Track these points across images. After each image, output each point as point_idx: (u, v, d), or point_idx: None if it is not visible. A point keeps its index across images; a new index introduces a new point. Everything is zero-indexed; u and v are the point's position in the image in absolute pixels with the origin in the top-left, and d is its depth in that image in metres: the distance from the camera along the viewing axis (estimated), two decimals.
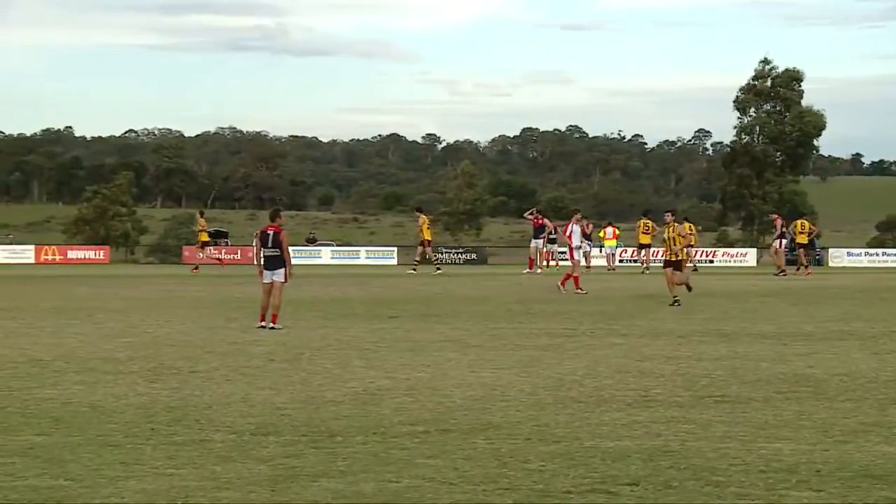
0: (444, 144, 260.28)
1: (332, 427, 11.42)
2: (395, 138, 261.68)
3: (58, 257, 75.84)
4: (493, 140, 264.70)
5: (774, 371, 15.62)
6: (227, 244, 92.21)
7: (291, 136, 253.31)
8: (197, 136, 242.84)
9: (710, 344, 19.11)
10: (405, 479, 9.13)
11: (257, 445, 10.52)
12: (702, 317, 24.71)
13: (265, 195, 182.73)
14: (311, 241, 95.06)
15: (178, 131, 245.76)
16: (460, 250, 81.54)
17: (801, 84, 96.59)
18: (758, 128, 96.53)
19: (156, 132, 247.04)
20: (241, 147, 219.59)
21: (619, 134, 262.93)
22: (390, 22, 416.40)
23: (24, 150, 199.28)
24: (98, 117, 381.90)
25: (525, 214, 53.13)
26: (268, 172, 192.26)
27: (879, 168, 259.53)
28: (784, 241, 49.41)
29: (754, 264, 70.09)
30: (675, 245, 28.54)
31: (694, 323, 23.16)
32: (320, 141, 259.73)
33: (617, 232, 57.38)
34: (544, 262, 49.45)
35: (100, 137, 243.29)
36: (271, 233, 22.68)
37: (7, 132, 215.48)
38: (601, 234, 57.06)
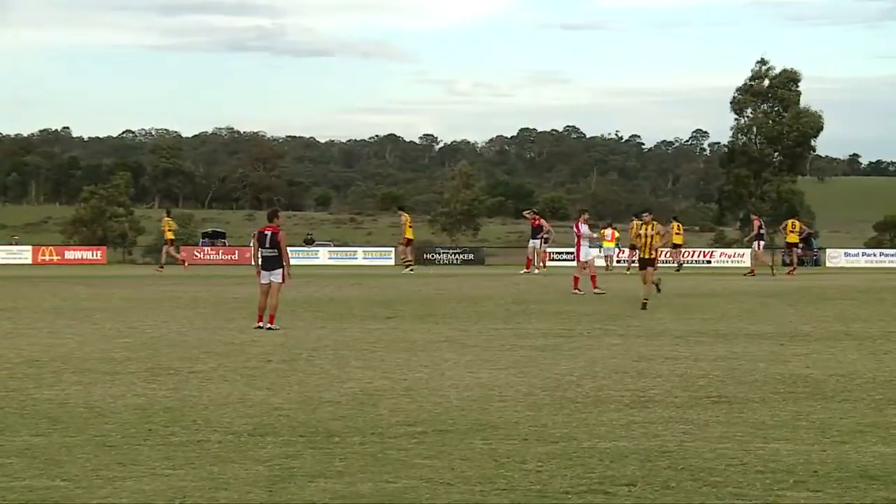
0: (441, 145, 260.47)
1: (329, 427, 11.42)
2: (392, 139, 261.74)
3: (55, 258, 75.79)
4: (491, 140, 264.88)
5: (772, 371, 15.63)
6: (224, 244, 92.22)
7: (289, 136, 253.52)
8: (194, 136, 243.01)
9: (707, 344, 19.12)
10: (402, 480, 9.13)
11: (255, 446, 10.51)
12: (699, 317, 24.72)
13: (263, 195, 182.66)
14: (309, 242, 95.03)
15: (176, 131, 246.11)
16: (458, 251, 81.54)
17: (799, 84, 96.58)
18: (755, 128, 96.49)
19: (153, 132, 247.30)
20: (238, 147, 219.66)
21: (616, 134, 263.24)
22: (388, 22, 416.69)
23: (21, 150, 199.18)
24: (95, 118, 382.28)
25: (524, 213, 53.14)
26: (265, 173, 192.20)
27: (877, 168, 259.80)
28: (762, 242, 49.63)
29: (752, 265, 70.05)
30: (653, 243, 28.33)
31: (691, 323, 23.16)
32: (318, 141, 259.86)
33: (616, 234, 57.44)
34: (542, 263, 49.41)
35: (97, 138, 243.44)
36: (269, 233, 22.67)
37: (4, 132, 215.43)
38: (601, 234, 57.11)
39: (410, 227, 49.65)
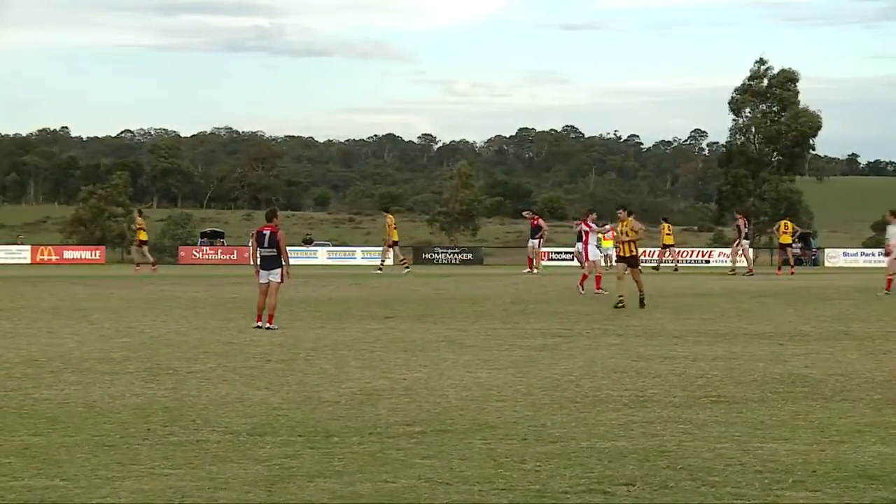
0: (440, 145, 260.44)
1: (328, 427, 11.42)
2: (391, 138, 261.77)
3: (54, 258, 75.81)
4: (490, 140, 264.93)
5: (771, 371, 15.63)
6: (223, 244, 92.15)
7: (287, 136, 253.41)
8: (193, 136, 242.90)
9: (706, 344, 19.11)
10: (401, 480, 9.13)
11: (254, 446, 10.51)
12: (698, 317, 24.72)
13: (261, 195, 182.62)
14: (308, 242, 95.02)
15: (175, 131, 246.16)
16: (456, 251, 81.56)
17: (797, 84, 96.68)
18: (753, 128, 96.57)
19: (152, 132, 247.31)
20: (237, 147, 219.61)
21: (615, 134, 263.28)
22: (387, 22, 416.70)
23: (20, 150, 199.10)
24: (94, 117, 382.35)
25: (524, 213, 53.16)
26: (264, 173, 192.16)
27: (875, 168, 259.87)
28: (746, 242, 49.79)
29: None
30: (627, 238, 28.07)
31: (690, 323, 23.16)
32: (316, 141, 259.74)
33: (615, 234, 57.42)
34: (541, 263, 49.43)
35: (96, 137, 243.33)
36: (268, 233, 22.67)
37: (3, 132, 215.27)
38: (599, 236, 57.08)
39: (395, 228, 49.64)
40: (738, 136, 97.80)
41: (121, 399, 13.32)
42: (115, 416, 12.16)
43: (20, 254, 76.02)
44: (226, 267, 65.28)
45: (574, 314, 25.26)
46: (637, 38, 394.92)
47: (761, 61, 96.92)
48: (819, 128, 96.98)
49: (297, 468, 9.56)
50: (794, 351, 18.12)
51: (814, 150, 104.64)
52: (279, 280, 22.46)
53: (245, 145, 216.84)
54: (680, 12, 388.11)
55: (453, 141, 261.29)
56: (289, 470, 9.50)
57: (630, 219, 28.64)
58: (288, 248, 23.47)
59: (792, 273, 48.30)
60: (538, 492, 8.74)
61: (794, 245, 51.67)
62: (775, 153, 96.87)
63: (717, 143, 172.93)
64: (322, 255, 77.43)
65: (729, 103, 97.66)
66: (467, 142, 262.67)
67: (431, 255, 78.76)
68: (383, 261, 51.41)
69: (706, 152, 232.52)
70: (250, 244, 26.54)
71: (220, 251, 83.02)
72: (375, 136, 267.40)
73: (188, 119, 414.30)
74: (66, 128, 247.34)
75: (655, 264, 53.08)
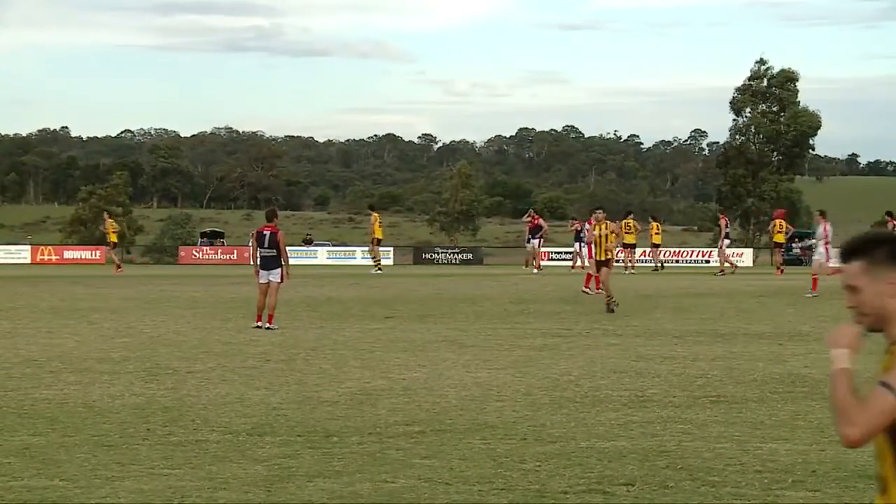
0: (440, 145, 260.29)
1: (328, 427, 11.42)
2: (391, 138, 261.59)
3: (54, 257, 75.77)
4: (490, 140, 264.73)
5: (770, 371, 15.63)
6: (222, 244, 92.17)
7: (287, 136, 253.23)
8: (193, 136, 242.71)
9: (706, 344, 19.12)
10: (401, 480, 9.13)
11: (253, 446, 10.51)
12: (698, 317, 24.71)
13: (261, 195, 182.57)
14: (308, 242, 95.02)
15: (174, 131, 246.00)
16: (456, 250, 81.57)
17: (797, 84, 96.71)
18: (753, 128, 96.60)
19: (152, 132, 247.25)
20: (237, 147, 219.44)
21: (615, 134, 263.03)
22: (386, 22, 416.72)
23: (20, 150, 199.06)
24: (94, 117, 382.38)
25: (524, 217, 53.17)
26: (264, 173, 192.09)
27: (875, 168, 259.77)
28: (727, 241, 49.93)
29: (750, 264, 70.11)
30: (606, 243, 27.56)
31: (690, 323, 23.16)
32: (316, 141, 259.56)
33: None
34: (534, 262, 49.40)
35: (96, 137, 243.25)
36: (268, 233, 22.68)
37: (3, 132, 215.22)
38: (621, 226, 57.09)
39: (380, 226, 49.67)
40: (737, 136, 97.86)
41: (120, 399, 13.32)
42: (115, 416, 12.16)
43: (20, 254, 75.99)
44: (226, 267, 65.28)
45: (574, 314, 25.26)
46: (637, 38, 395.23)
47: (761, 61, 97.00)
48: (818, 128, 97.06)
49: (296, 468, 9.56)
50: (793, 351, 18.12)
51: (813, 150, 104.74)
52: (279, 280, 22.47)
53: (245, 145, 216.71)
54: (680, 12, 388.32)
55: (453, 141, 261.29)
56: (288, 470, 9.50)
57: (608, 221, 28.34)
58: (288, 249, 23.48)
59: (779, 273, 48.28)
60: (538, 492, 8.74)
61: (791, 244, 51.69)
62: (775, 153, 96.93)
63: (717, 143, 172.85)
64: (322, 256, 77.39)
65: (729, 103, 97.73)
66: (467, 142, 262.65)
67: (431, 256, 78.74)
68: (377, 261, 51.44)
69: (706, 152, 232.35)
70: (250, 244, 26.54)
71: (219, 251, 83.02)
72: (375, 136, 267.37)
73: (188, 119, 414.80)
74: (66, 128, 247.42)
75: (655, 265, 53.07)
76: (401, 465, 9.63)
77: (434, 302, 29.57)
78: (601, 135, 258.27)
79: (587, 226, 35.79)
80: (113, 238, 53.56)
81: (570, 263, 53.68)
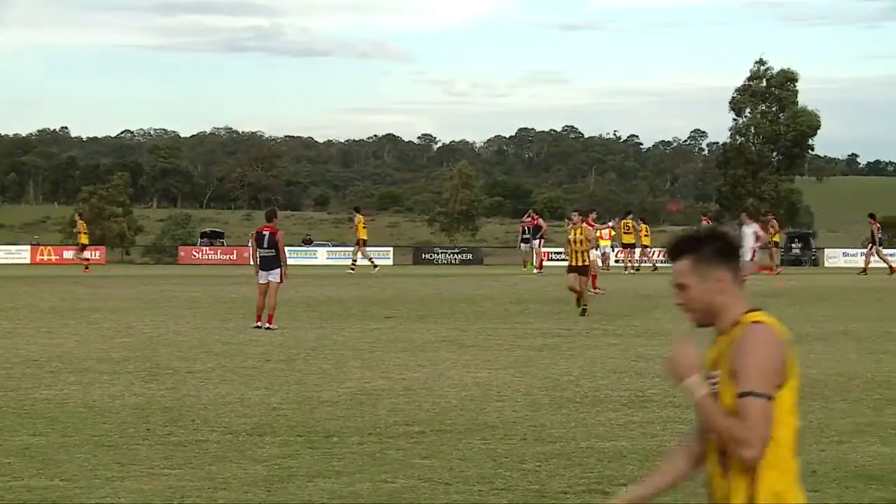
0: (439, 145, 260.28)
1: (327, 427, 11.42)
2: (390, 138, 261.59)
3: (53, 257, 75.73)
4: (489, 140, 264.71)
5: None
6: (222, 244, 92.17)
7: (287, 136, 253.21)
8: (193, 136, 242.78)
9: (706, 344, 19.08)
10: (401, 480, 9.13)
11: (253, 446, 10.51)
12: None
13: (261, 195, 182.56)
14: (308, 242, 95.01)
15: (174, 131, 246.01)
16: (456, 251, 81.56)
17: (796, 84, 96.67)
18: (753, 128, 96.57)
19: (151, 132, 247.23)
20: (236, 147, 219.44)
21: (614, 134, 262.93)
22: (386, 22, 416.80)
23: (19, 150, 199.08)
24: (94, 117, 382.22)
25: (524, 217, 53.20)
26: (263, 173, 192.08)
27: (875, 168, 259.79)
28: None
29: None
30: (580, 247, 26.52)
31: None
32: (316, 141, 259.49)
33: (612, 232, 57.47)
34: (531, 261, 49.42)
35: (95, 138, 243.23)
36: (267, 233, 22.69)
37: (3, 132, 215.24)
38: (597, 234, 57.15)
39: (364, 227, 49.71)
40: (737, 136, 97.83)
41: (120, 399, 13.32)
42: (115, 416, 12.16)
43: (20, 254, 75.98)
44: (225, 267, 65.26)
45: (573, 314, 25.24)
46: (637, 38, 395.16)
47: (761, 61, 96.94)
48: (818, 128, 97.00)
49: (296, 468, 9.56)
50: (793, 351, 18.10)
51: (813, 150, 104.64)
52: (278, 280, 22.47)
53: (244, 145, 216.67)
54: (679, 12, 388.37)
55: (453, 141, 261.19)
56: (288, 470, 9.50)
57: (585, 225, 27.53)
58: (286, 249, 23.48)
59: (770, 272, 48.34)
60: (537, 492, 8.74)
61: (783, 245, 51.92)
62: (775, 153, 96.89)
63: (717, 143, 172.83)
64: (321, 256, 77.37)
65: (729, 103, 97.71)
66: (467, 142, 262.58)
67: (431, 256, 78.72)
68: (371, 260, 51.44)
69: (706, 152, 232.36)
70: (250, 244, 26.54)
71: (219, 251, 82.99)
72: (375, 136, 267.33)
73: (188, 119, 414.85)
74: (66, 128, 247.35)
75: (652, 266, 53.10)
76: (401, 466, 9.63)
77: (434, 302, 29.56)
78: (601, 135, 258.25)
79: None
80: (84, 240, 53.58)
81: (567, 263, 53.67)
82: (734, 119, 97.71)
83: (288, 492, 8.79)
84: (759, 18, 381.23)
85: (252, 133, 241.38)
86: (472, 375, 15.28)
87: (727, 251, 4.24)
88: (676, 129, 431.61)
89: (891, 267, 47.37)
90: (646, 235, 53.75)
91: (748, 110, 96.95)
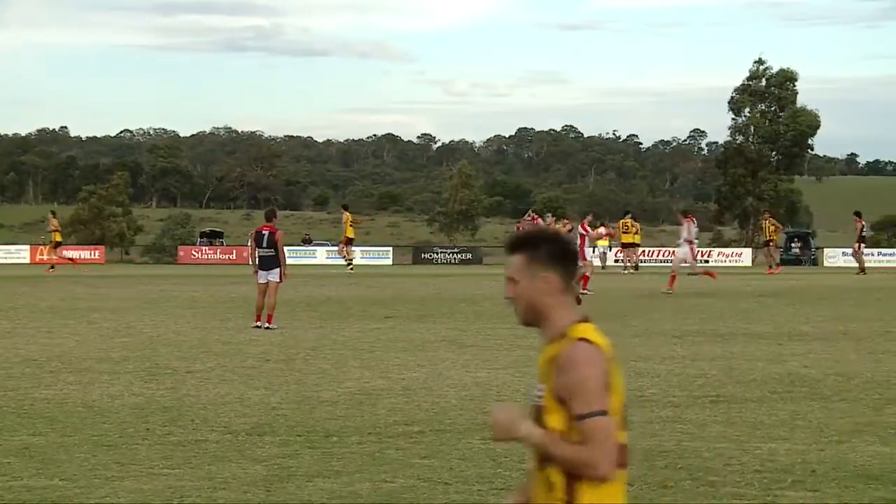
0: (439, 144, 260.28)
1: (327, 427, 11.42)
2: (390, 138, 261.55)
3: (53, 257, 75.67)
4: (489, 140, 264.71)
5: (770, 371, 15.63)
6: (222, 244, 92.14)
7: (287, 136, 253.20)
8: (192, 135, 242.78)
9: (705, 344, 19.11)
10: (400, 479, 9.13)
11: (253, 445, 10.51)
12: (697, 317, 24.71)
13: (260, 195, 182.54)
14: (307, 242, 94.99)
15: (174, 131, 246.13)
16: (455, 250, 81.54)
17: (796, 84, 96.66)
18: (752, 128, 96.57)
19: (151, 132, 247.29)
20: (236, 147, 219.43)
21: (614, 134, 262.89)
22: (386, 22, 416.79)
23: (19, 150, 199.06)
24: (93, 117, 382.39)
25: (524, 217, 53.17)
26: (263, 172, 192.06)
27: (875, 168, 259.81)
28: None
29: (749, 264, 70.14)
30: None
31: (689, 323, 23.15)
32: (315, 141, 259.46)
33: (611, 233, 57.53)
34: None
35: (95, 137, 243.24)
36: (266, 233, 22.68)
37: (2, 132, 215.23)
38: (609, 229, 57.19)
39: (352, 225, 49.75)
40: (736, 135, 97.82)
41: (120, 399, 13.32)
42: (114, 415, 12.16)
43: (19, 254, 75.95)
44: (225, 267, 65.25)
45: None
46: (636, 38, 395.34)
47: (760, 61, 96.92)
48: (818, 127, 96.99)
49: (295, 468, 9.56)
50: (792, 351, 18.12)
51: (812, 149, 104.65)
52: (278, 280, 22.47)
53: (244, 145, 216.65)
54: (679, 12, 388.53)
55: (452, 141, 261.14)
56: (287, 470, 9.50)
57: (557, 226, 27.86)
58: (287, 248, 23.49)
59: (769, 272, 48.36)
60: None
61: (783, 245, 52.18)
62: (774, 153, 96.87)
63: (717, 142, 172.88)
64: (321, 255, 77.37)
65: (728, 103, 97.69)
66: (466, 141, 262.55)
67: (431, 255, 78.71)
68: (351, 260, 51.44)
69: (705, 152, 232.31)
70: (249, 244, 26.54)
71: (219, 251, 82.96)
72: (374, 135, 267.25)
73: (187, 119, 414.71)
74: (66, 127, 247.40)
75: (633, 266, 53.09)
76: (400, 465, 9.63)
77: (433, 302, 29.56)
78: (600, 135, 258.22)
79: (579, 228, 35.75)
80: (57, 237, 53.57)
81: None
82: (733, 119, 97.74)
83: (287, 491, 8.79)
84: (759, 18, 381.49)
85: (252, 133, 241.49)
86: (471, 375, 15.28)
87: (562, 256, 4.29)
88: (676, 129, 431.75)
89: (862, 268, 47.74)
90: (635, 234, 53.81)
91: (747, 110, 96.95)
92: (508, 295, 4.33)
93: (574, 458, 4.05)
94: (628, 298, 30.22)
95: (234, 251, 79.15)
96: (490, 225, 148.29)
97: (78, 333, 21.06)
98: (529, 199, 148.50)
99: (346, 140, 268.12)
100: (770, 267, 49.66)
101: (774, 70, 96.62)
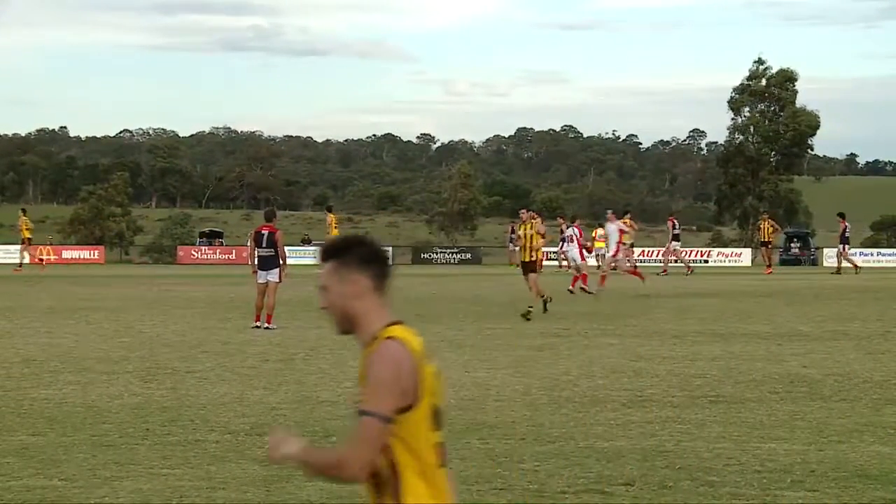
0: (438, 144, 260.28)
1: (327, 427, 11.42)
2: (389, 138, 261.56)
3: (53, 257, 75.68)
4: (488, 140, 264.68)
5: (769, 371, 15.63)
6: (221, 244, 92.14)
7: (286, 136, 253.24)
8: (192, 135, 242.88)
9: (704, 344, 19.11)
10: None
11: (252, 445, 10.51)
12: (696, 317, 24.71)
13: (260, 195, 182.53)
14: (307, 242, 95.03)
15: (173, 131, 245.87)
16: (455, 250, 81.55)
17: (795, 84, 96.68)
18: (752, 128, 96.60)
19: (150, 132, 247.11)
20: (235, 147, 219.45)
21: (613, 134, 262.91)
22: (385, 22, 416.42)
23: (18, 150, 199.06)
24: (93, 117, 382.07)
25: (521, 212, 53.12)
26: (262, 172, 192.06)
27: (874, 168, 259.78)
28: (677, 244, 50.43)
29: (749, 264, 70.16)
30: (532, 243, 26.39)
31: (688, 323, 23.15)
32: (315, 141, 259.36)
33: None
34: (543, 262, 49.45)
35: (94, 137, 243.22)
36: (266, 233, 22.69)
37: (2, 132, 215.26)
38: (593, 235, 57.11)
39: (336, 227, 49.82)
40: (736, 135, 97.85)
41: (119, 399, 13.32)
42: (114, 415, 12.16)
43: (19, 253, 75.89)
44: (224, 267, 65.25)
45: (572, 314, 25.25)
46: (636, 38, 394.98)
47: (760, 61, 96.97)
48: (817, 127, 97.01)
49: (294, 468, 9.56)
50: (792, 351, 18.12)
51: (812, 149, 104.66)
52: (277, 280, 22.47)
53: (244, 145, 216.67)
54: (679, 12, 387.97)
55: (452, 141, 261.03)
56: (287, 470, 9.49)
57: (536, 221, 27.45)
58: (286, 248, 23.49)
59: (768, 272, 48.37)
60: (536, 491, 8.74)
61: (771, 244, 52.30)
62: (774, 153, 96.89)
63: (716, 142, 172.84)
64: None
65: (728, 103, 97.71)
66: (466, 141, 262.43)
67: (430, 255, 78.72)
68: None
69: (705, 152, 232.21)
70: (249, 244, 26.54)
71: (218, 251, 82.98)
72: (374, 135, 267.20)
73: (187, 119, 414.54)
74: (65, 127, 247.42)
75: (633, 265, 53.12)
76: None
77: (433, 302, 29.56)
78: (600, 134, 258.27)
79: (574, 229, 35.79)
80: (26, 235, 53.59)
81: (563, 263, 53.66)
82: (733, 119, 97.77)
83: (287, 491, 8.80)
84: (759, 18, 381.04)
85: (251, 133, 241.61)
86: (470, 375, 15.28)
87: (370, 258, 4.34)
88: (675, 129, 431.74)
89: (839, 268, 47.93)
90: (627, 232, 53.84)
91: (747, 110, 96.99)
92: (322, 305, 4.32)
93: (326, 461, 4.07)
94: (628, 298, 30.22)
95: (234, 251, 79.13)
96: (489, 225, 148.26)
97: (77, 333, 21.07)
98: (529, 199, 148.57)
99: (346, 140, 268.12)
100: (769, 267, 49.72)
101: (774, 70, 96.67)
